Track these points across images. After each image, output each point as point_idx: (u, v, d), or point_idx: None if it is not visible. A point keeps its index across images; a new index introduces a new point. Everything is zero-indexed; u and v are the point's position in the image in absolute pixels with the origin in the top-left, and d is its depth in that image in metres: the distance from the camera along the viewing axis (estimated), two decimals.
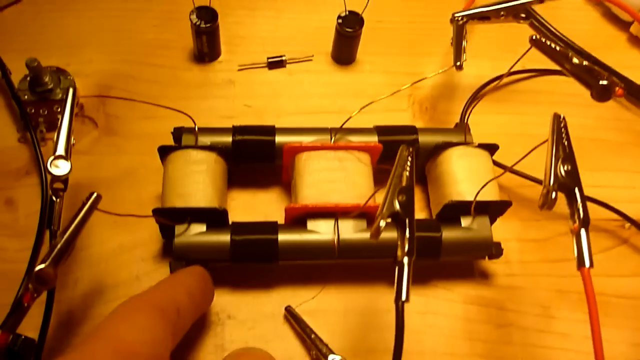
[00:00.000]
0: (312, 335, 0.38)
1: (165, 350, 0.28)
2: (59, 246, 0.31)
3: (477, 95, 0.48)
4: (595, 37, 0.55)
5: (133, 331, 0.27)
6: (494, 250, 0.39)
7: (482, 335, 0.40)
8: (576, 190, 0.30)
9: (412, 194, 0.30)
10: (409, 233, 0.29)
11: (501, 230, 0.43)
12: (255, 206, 0.43)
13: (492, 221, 0.40)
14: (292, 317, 0.39)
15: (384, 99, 0.42)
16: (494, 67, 0.51)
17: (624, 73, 0.53)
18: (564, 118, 0.32)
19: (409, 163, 0.31)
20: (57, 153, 0.34)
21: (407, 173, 0.31)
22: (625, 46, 0.55)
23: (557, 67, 0.50)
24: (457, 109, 0.49)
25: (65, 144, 0.34)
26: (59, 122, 0.35)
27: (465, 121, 0.46)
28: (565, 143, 0.31)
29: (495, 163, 0.43)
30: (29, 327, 0.37)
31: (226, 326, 0.39)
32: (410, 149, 0.31)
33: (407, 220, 0.29)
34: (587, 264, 0.29)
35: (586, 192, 0.46)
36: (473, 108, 0.46)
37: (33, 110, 0.43)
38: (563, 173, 0.30)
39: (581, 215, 0.29)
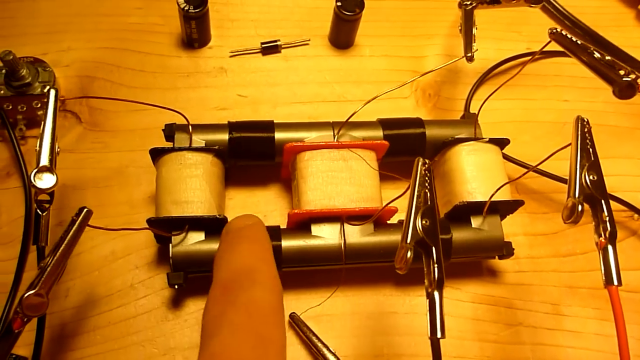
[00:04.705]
0: (319, 344, 0.36)
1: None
2: (48, 269, 0.29)
3: (482, 82, 0.46)
4: (602, 14, 0.52)
5: (244, 256, 0.29)
6: (505, 250, 0.38)
7: (492, 335, 0.39)
8: (603, 202, 0.28)
9: (436, 216, 0.28)
10: (437, 261, 0.27)
11: (509, 224, 0.41)
12: (253, 205, 0.41)
13: (502, 219, 0.39)
14: (296, 324, 0.37)
15: (387, 93, 0.39)
16: (498, 50, 0.49)
17: (631, 52, 0.51)
18: (587, 122, 0.30)
19: (427, 179, 0.29)
20: (41, 164, 0.31)
21: (428, 191, 0.28)
22: (634, 24, 0.53)
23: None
24: (461, 94, 0.47)
25: (49, 154, 0.31)
26: (41, 128, 0.32)
27: (474, 110, 0.43)
28: (590, 150, 0.29)
29: (504, 156, 0.41)
30: (20, 343, 0.35)
31: None
32: (427, 163, 0.29)
33: (433, 248, 0.27)
34: (616, 282, 0.27)
35: None
36: (487, 99, 0.43)
37: (10, 107, 0.40)
38: (588, 183, 0.28)
39: (608, 229, 0.28)
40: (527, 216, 0.43)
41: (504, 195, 0.37)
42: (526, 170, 0.35)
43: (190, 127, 0.37)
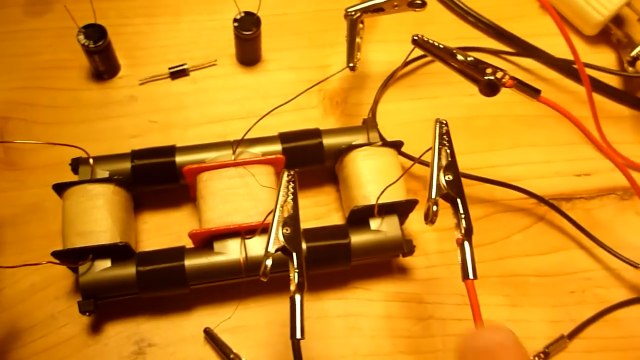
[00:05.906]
0: (231, 355, 0.38)
1: None
2: None
3: (386, 85, 0.47)
4: (506, 6, 0.54)
5: None
6: (406, 248, 0.39)
7: (404, 331, 0.41)
8: (459, 201, 0.29)
9: (298, 223, 0.30)
10: (297, 267, 0.29)
11: (418, 222, 0.43)
12: (167, 227, 0.42)
13: (404, 218, 0.40)
14: (210, 338, 0.39)
15: (289, 102, 0.41)
16: (404, 51, 0.49)
17: (536, 42, 0.52)
18: (446, 123, 0.32)
19: (291, 189, 0.30)
20: None
21: (291, 200, 0.30)
22: (537, 12, 0.54)
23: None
24: (369, 99, 0.48)
25: None
26: None
27: (373, 115, 0.45)
28: (448, 151, 0.31)
29: (405, 155, 0.43)
30: None
31: (147, 355, 0.38)
32: (292, 173, 0.31)
33: (294, 254, 0.29)
34: (471, 276, 0.29)
35: (502, 172, 0.47)
36: (376, 102, 0.45)
37: None
38: (445, 183, 0.30)
39: (464, 226, 0.29)
40: None
41: (398, 196, 0.39)
42: (412, 163, 0.37)
43: (91, 161, 0.39)
